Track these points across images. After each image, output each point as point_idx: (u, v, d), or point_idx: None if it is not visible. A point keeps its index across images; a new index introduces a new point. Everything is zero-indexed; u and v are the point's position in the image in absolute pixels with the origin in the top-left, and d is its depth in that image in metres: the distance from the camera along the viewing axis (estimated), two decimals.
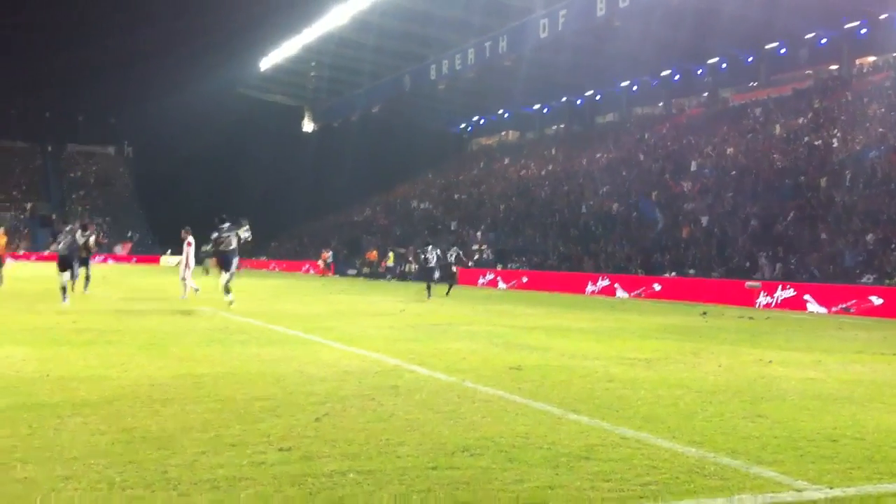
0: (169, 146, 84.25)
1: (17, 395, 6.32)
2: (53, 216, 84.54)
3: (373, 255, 47.12)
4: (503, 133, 71.64)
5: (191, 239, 20.33)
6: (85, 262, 21.01)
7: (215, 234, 17.00)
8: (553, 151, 57.92)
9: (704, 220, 33.23)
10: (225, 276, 16.99)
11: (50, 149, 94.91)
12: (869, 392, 7.94)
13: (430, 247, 27.49)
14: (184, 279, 20.12)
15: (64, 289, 16.92)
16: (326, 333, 12.00)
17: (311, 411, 6.02)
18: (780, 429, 5.94)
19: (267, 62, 63.88)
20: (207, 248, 18.23)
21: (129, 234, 77.73)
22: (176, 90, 79.64)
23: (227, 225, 17.13)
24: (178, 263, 19.88)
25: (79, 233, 19.04)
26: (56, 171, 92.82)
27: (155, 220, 79.44)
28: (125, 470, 4.33)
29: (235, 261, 17.27)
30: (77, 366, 8.05)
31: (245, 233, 17.32)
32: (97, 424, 5.38)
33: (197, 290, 20.21)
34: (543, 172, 53.31)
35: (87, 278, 21.36)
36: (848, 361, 10.67)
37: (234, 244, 17.05)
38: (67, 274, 17.25)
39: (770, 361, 10.12)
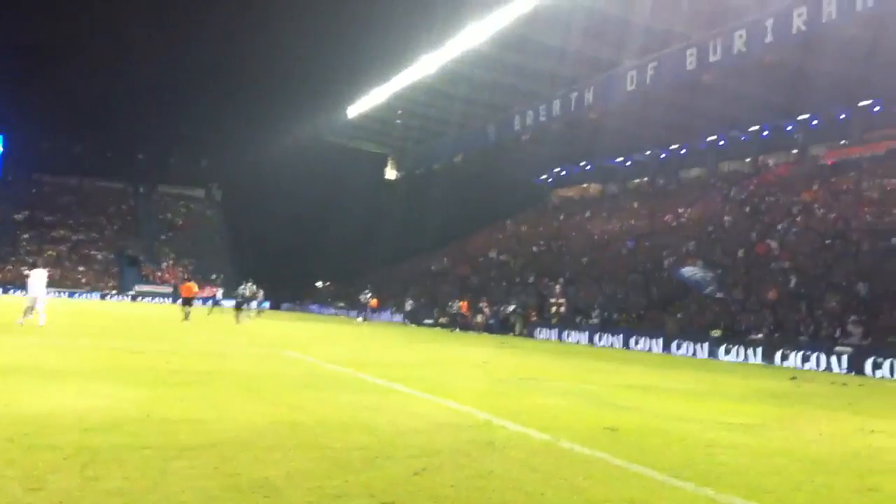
0: (257, 190, 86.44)
1: (122, 436, 6.44)
2: (141, 257, 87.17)
3: (464, 305, 46.20)
4: (584, 185, 71.41)
5: (38, 271, 22.59)
6: None
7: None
8: (636, 205, 57.39)
9: (792, 281, 32.38)
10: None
11: (141, 190, 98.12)
12: None
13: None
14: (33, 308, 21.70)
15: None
16: (413, 383, 11.98)
17: (409, 465, 5.98)
18: None
19: (354, 110, 65.15)
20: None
21: (213, 277, 79.33)
22: (266, 135, 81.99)
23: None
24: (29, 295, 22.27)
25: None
26: (146, 211, 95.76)
27: (240, 264, 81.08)
28: None
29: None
30: (176, 408, 8.18)
31: None
32: (202, 469, 5.43)
33: (21, 322, 21.14)
34: (625, 227, 52.80)
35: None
36: None
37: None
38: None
39: (872, 431, 9.71)
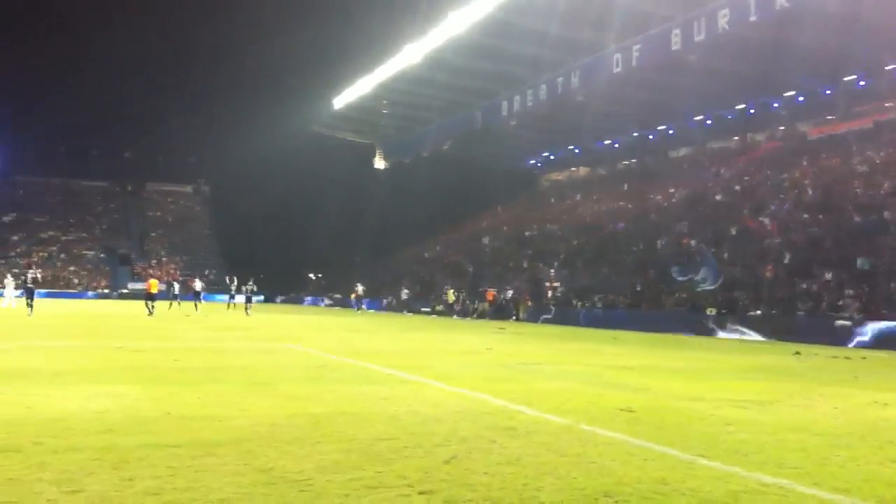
0: (245, 184, 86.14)
1: (144, 435, 6.41)
2: (132, 255, 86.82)
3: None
4: (573, 169, 71.42)
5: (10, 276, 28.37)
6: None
7: None
8: (625, 187, 57.47)
9: (786, 257, 32.50)
10: None
11: (129, 188, 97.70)
12: None
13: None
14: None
15: None
16: (422, 372, 11.99)
17: (438, 453, 5.98)
18: None
19: (340, 101, 65.00)
20: None
21: (207, 273, 79.05)
22: (252, 129, 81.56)
23: None
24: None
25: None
26: (135, 209, 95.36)
27: (231, 258, 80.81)
28: None
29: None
30: (193, 405, 8.15)
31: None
32: (233, 465, 5.42)
33: None
34: (615, 208, 52.90)
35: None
36: None
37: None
38: None
39: (885, 404, 9.77)
